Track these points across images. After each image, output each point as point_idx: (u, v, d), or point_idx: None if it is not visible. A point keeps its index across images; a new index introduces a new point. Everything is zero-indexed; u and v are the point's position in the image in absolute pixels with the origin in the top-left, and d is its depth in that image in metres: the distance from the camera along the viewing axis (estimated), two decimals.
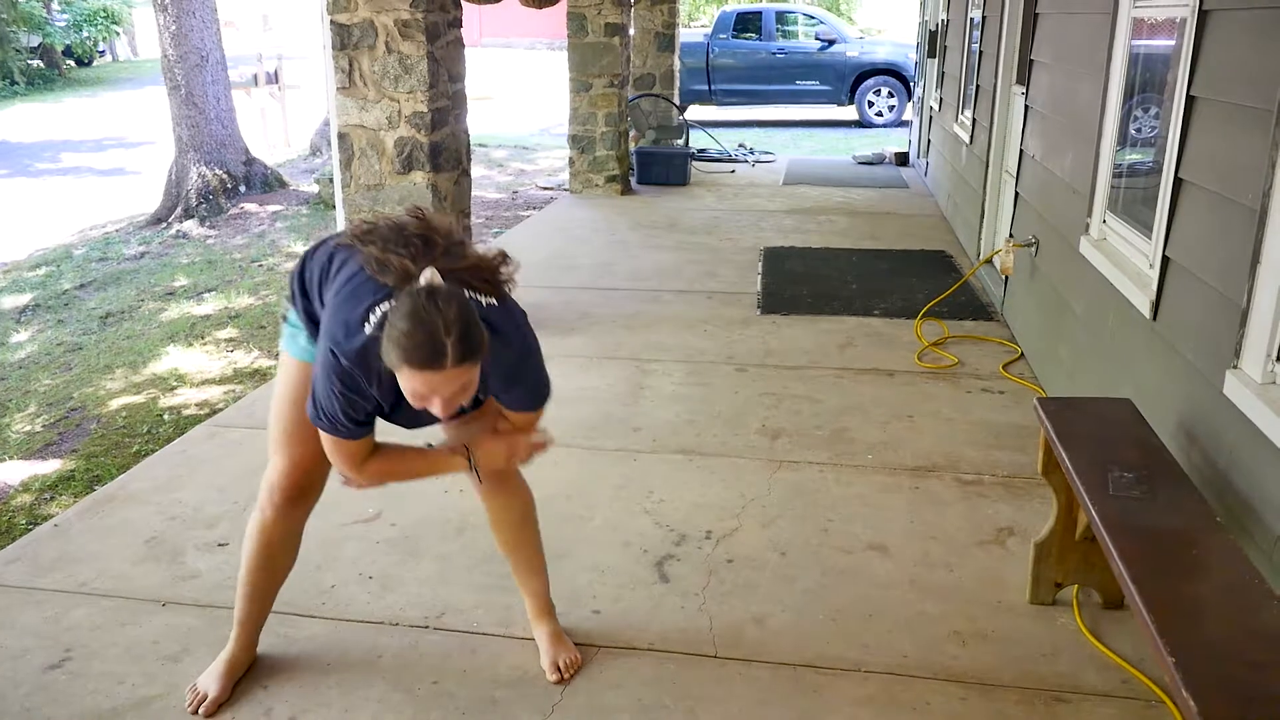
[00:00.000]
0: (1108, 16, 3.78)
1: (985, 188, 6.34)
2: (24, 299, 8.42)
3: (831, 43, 16.41)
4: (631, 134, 10.19)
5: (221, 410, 4.54)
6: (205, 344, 6.83)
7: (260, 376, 5.98)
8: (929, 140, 10.06)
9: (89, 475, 4.90)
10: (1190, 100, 2.93)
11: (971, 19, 7.60)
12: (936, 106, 9.44)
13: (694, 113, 15.72)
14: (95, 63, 28.69)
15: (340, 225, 5.19)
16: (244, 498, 3.47)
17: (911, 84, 14.28)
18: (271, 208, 11.06)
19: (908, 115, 14.55)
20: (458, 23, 5.12)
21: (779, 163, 11.63)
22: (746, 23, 16.93)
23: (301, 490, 2.40)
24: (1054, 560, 2.79)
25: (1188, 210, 2.94)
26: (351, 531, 3.24)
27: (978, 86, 6.92)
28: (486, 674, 2.55)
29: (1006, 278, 5.40)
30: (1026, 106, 5.23)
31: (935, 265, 6.74)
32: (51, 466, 5.11)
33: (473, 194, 5.79)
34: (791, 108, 17.08)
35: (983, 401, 4.35)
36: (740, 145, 12.42)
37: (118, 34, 29.27)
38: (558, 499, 3.36)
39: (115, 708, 2.43)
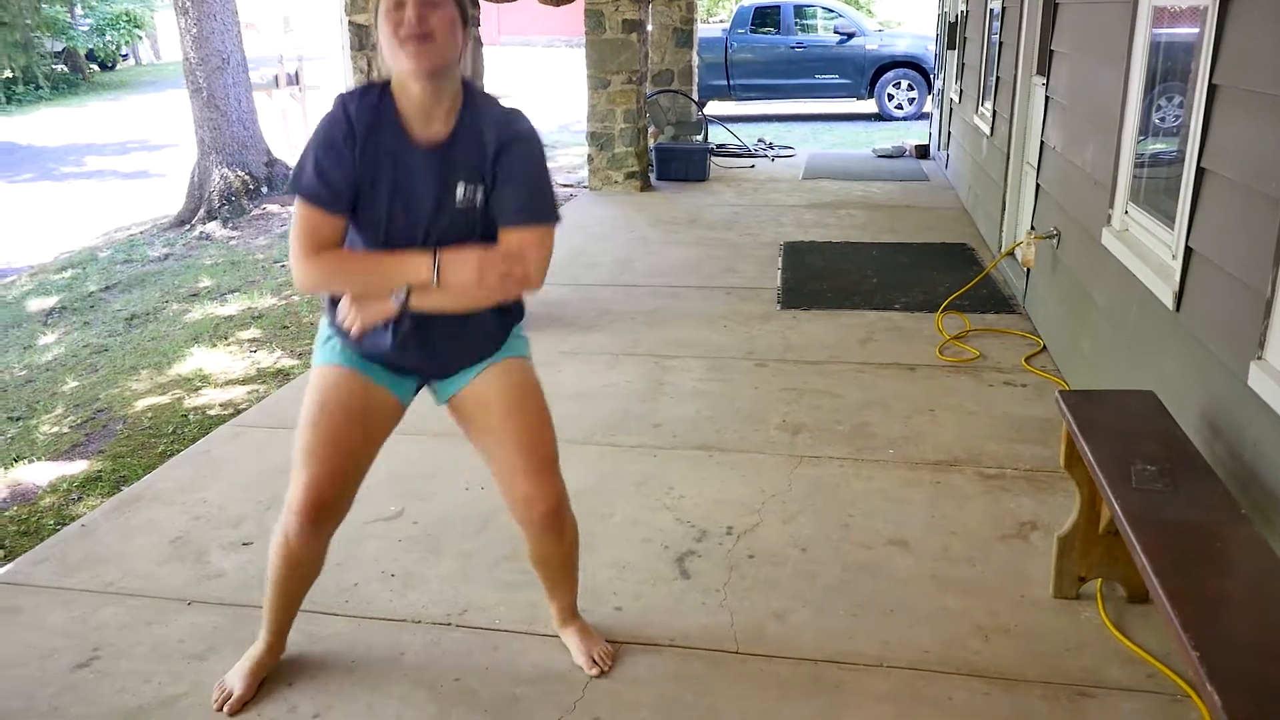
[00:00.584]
0: (1128, 5, 3.74)
1: (1006, 180, 6.30)
2: (50, 301, 8.51)
3: (850, 36, 16.33)
4: (650, 130, 10.18)
5: (245, 410, 4.57)
6: (229, 344, 6.88)
7: (284, 376, 6.02)
8: (949, 133, 10.00)
9: (115, 476, 4.95)
10: (1212, 89, 2.90)
11: (991, 10, 7.54)
12: (956, 99, 9.38)
13: (713, 108, 15.71)
14: (118, 66, 28.97)
15: None
16: (268, 497, 3.50)
17: (931, 76, 14.20)
18: (293, 208, 11.11)
19: (928, 108, 14.47)
20: (476, 21, 5.09)
21: (799, 157, 11.59)
22: (765, 17, 16.87)
23: (320, 511, 2.29)
24: (1077, 554, 2.77)
25: (1210, 200, 2.91)
26: (373, 530, 3.26)
27: (998, 78, 6.87)
28: (509, 671, 2.56)
29: (1028, 270, 5.36)
30: (1047, 97, 5.19)
31: (956, 258, 6.70)
32: (79, 467, 5.17)
33: None
34: (811, 102, 17.01)
35: (1005, 395, 4.32)
36: (759, 140, 12.39)
37: (140, 37, 29.54)
38: (578, 496, 3.34)
39: (142, 706, 2.45)
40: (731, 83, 16.44)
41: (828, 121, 16.22)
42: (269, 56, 16.65)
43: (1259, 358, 2.47)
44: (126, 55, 30.10)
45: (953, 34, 9.91)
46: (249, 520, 3.34)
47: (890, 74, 16.13)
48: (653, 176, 9.80)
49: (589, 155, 9.52)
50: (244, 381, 6.16)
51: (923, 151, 11.40)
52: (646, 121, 9.63)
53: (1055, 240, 4.78)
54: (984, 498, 3.42)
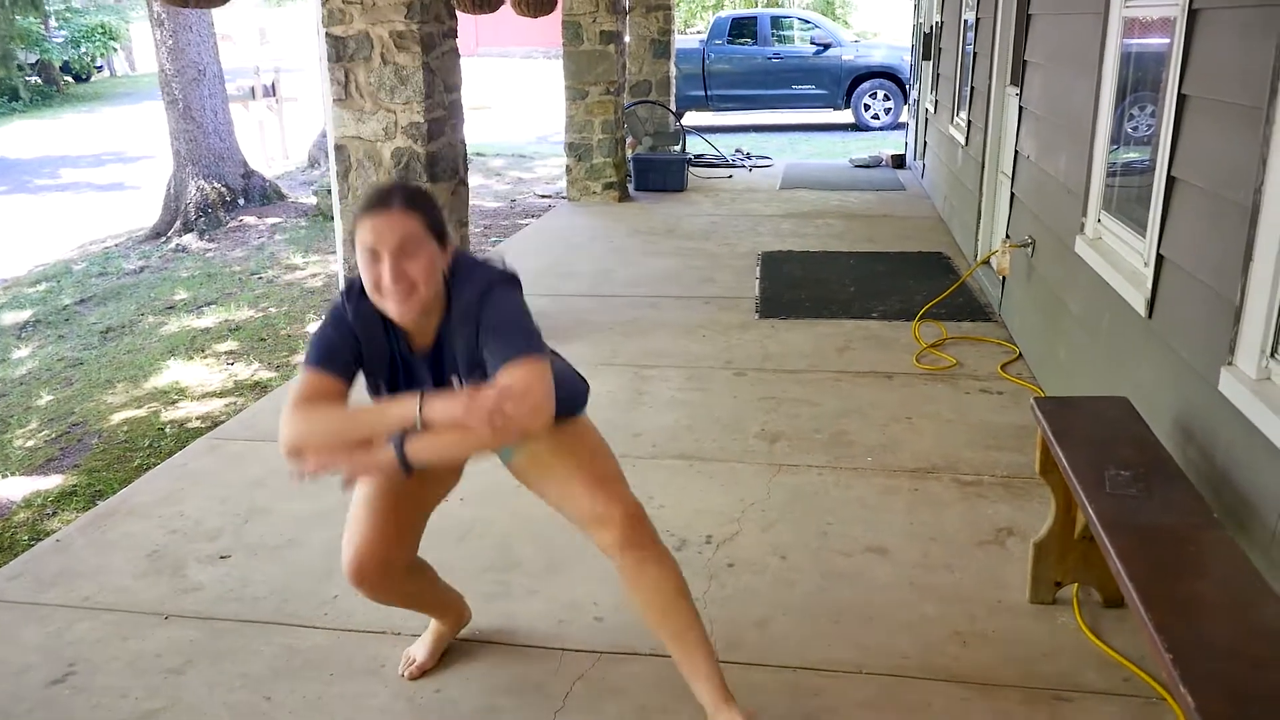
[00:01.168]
0: (1099, 16, 3.79)
1: (981, 189, 6.35)
2: (24, 315, 8.44)
3: (827, 46, 16.44)
4: (628, 141, 10.21)
5: (223, 423, 4.55)
6: (206, 357, 6.84)
7: (261, 389, 5.99)
8: (925, 142, 10.08)
9: (91, 490, 4.91)
10: (1182, 99, 2.94)
11: (965, 21, 7.62)
12: (932, 109, 9.46)
13: (690, 118, 15.75)
14: (93, 78, 28.79)
15: (338, 236, 5.20)
16: (245, 510, 3.48)
17: (907, 87, 14.30)
18: (270, 220, 11.08)
19: (904, 118, 14.57)
20: (453, 33, 5.14)
21: (776, 167, 11.65)
22: (742, 28, 16.96)
23: (362, 575, 2.27)
24: (1053, 559, 2.79)
25: (1181, 208, 2.95)
26: None
27: (972, 88, 6.94)
28: (488, 681, 2.56)
29: (1004, 278, 5.41)
30: (1021, 107, 5.24)
31: (933, 267, 6.75)
32: (53, 482, 5.12)
33: (471, 203, 5.81)
34: (788, 112, 17.09)
35: (981, 402, 4.35)
36: (737, 150, 12.44)
37: (115, 49, 29.37)
38: None
39: None
40: (709, 93, 16.51)
41: (805, 132, 16.30)
42: (245, 68, 16.60)
43: (1229, 363, 2.50)
44: (101, 67, 29.90)
45: (928, 45, 9.99)
46: (226, 533, 3.32)
47: (866, 84, 16.23)
48: (631, 187, 9.82)
49: (567, 166, 9.53)
50: (221, 394, 6.13)
51: (899, 161, 11.47)
52: (624, 132, 9.65)
53: (1030, 248, 4.82)
54: (961, 504, 3.44)
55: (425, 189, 2.04)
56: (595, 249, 7.49)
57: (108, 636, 2.77)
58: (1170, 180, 2.99)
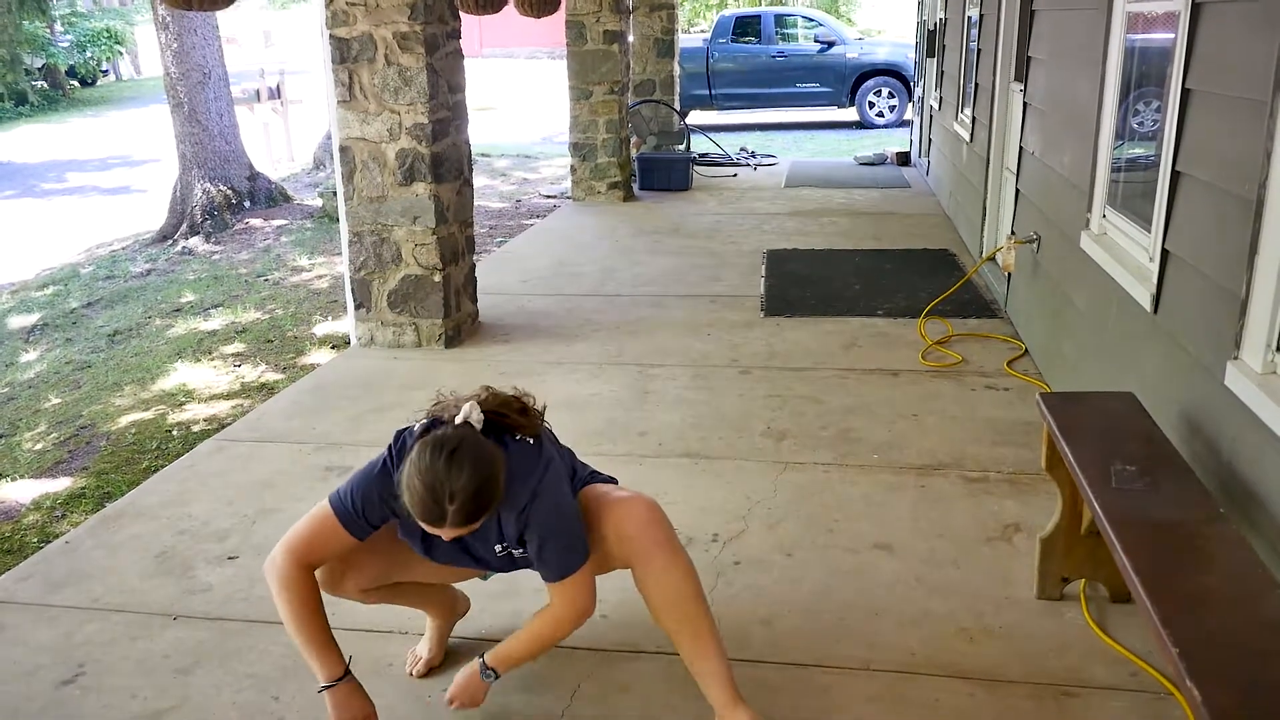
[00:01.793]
0: (1103, 11, 3.79)
1: (986, 185, 6.35)
2: (32, 319, 8.47)
3: (831, 44, 16.43)
4: (633, 140, 10.21)
5: (230, 425, 4.56)
6: (212, 359, 6.86)
7: (268, 390, 6.01)
8: (930, 139, 10.06)
9: (99, 492, 4.93)
10: (1186, 93, 2.93)
11: (969, 17, 7.61)
12: (936, 106, 9.45)
13: (695, 118, 15.76)
14: (99, 82, 28.89)
15: (344, 238, 5.22)
16: (253, 511, 3.49)
17: (911, 84, 14.29)
18: (276, 222, 11.11)
19: (908, 115, 14.56)
20: (456, 34, 5.15)
21: (781, 165, 11.65)
22: (746, 26, 16.96)
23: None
24: (1060, 555, 2.79)
25: (1186, 203, 2.95)
26: None
27: (976, 84, 6.93)
28: (496, 681, 2.56)
29: (1009, 275, 5.40)
30: (1025, 103, 5.23)
31: (938, 264, 6.74)
32: (62, 484, 5.14)
33: (476, 204, 5.82)
34: (792, 110, 17.10)
35: (988, 399, 4.35)
36: (742, 149, 12.44)
37: (120, 53, 29.46)
38: None
39: None
40: (713, 92, 16.52)
41: (809, 130, 16.30)
42: (250, 71, 16.65)
43: (1235, 358, 2.50)
44: (107, 71, 30.00)
45: (932, 42, 9.99)
46: (234, 534, 3.34)
47: (871, 82, 16.23)
48: (635, 186, 9.83)
49: (572, 166, 9.54)
50: (228, 396, 6.15)
51: (904, 158, 11.47)
52: (629, 132, 9.66)
53: (1035, 245, 4.82)
54: (967, 501, 3.44)
55: (487, 484, 2.03)
56: (600, 248, 7.49)
57: (117, 637, 2.78)
58: (1175, 175, 2.99)
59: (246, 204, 11.44)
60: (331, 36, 4.90)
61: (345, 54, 4.90)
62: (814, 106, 16.77)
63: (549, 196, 11.39)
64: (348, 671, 2.20)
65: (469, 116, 5.36)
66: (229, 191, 11.25)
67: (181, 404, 6.07)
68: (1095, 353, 3.82)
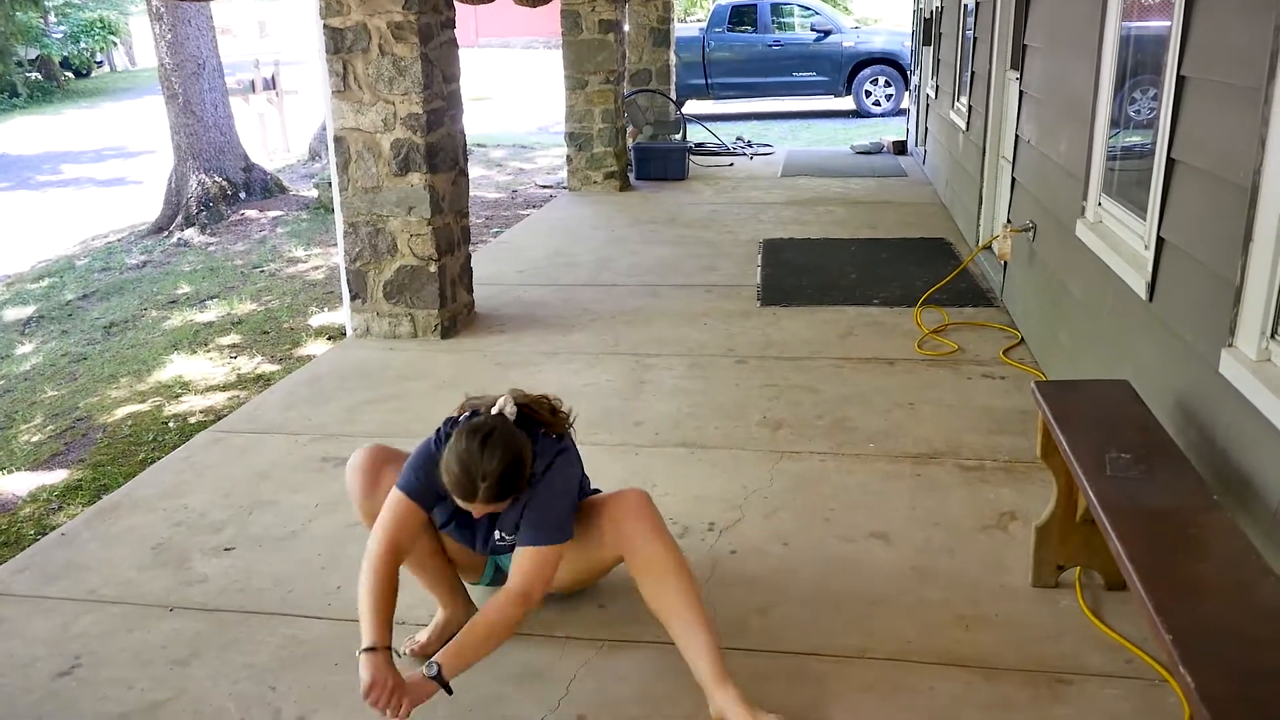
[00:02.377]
0: None
1: (982, 174, 6.34)
2: (28, 311, 8.46)
3: (827, 33, 16.40)
4: (629, 130, 10.19)
5: (226, 416, 4.56)
6: (209, 351, 6.85)
7: (264, 382, 6.00)
8: (926, 128, 10.05)
9: (96, 484, 4.93)
10: (1181, 80, 2.93)
11: (965, 5, 7.59)
12: (933, 94, 9.43)
13: (691, 107, 15.73)
14: (93, 73, 28.78)
15: (339, 228, 5.21)
16: (249, 502, 3.49)
17: (908, 72, 14.26)
18: (272, 213, 11.09)
19: (905, 104, 14.53)
20: (451, 23, 5.13)
21: (777, 155, 11.63)
22: (742, 15, 16.91)
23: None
24: (1055, 543, 2.79)
25: (1181, 190, 2.94)
26: (357, 532, 3.24)
27: (973, 73, 6.92)
28: (493, 670, 2.56)
29: (1005, 263, 5.40)
30: (1021, 91, 5.23)
31: (934, 253, 6.74)
32: (58, 476, 5.14)
33: (472, 194, 5.81)
34: (789, 99, 17.07)
35: (984, 387, 4.35)
36: (738, 138, 12.42)
37: (115, 44, 29.34)
38: None
39: (124, 713, 2.45)
40: (709, 81, 16.48)
41: (805, 119, 16.28)
42: (245, 61, 16.59)
43: (1230, 345, 2.50)
44: (101, 62, 29.89)
45: (928, 30, 9.97)
46: (230, 526, 3.34)
47: (867, 70, 16.20)
48: (632, 176, 9.81)
49: (568, 156, 9.53)
50: (224, 387, 6.14)
51: (900, 147, 11.45)
52: (625, 121, 9.64)
53: (1031, 233, 4.82)
54: (963, 489, 3.44)
55: (518, 467, 2.28)
56: (597, 238, 7.48)
57: (113, 629, 2.78)
58: (1170, 162, 2.99)
59: (242, 195, 11.42)
60: (325, 26, 4.89)
61: (339, 44, 4.88)
62: (810, 95, 16.74)
63: (545, 186, 11.37)
64: (389, 649, 2.30)
65: (464, 106, 5.35)
66: (224, 183, 11.23)
67: (178, 396, 6.07)
68: (1091, 341, 3.82)
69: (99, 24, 26.74)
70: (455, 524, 2.60)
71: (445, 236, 5.18)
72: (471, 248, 5.63)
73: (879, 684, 2.48)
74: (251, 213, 11.12)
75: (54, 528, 3.92)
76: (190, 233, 10.54)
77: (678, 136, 10.99)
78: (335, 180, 5.15)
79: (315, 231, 10.19)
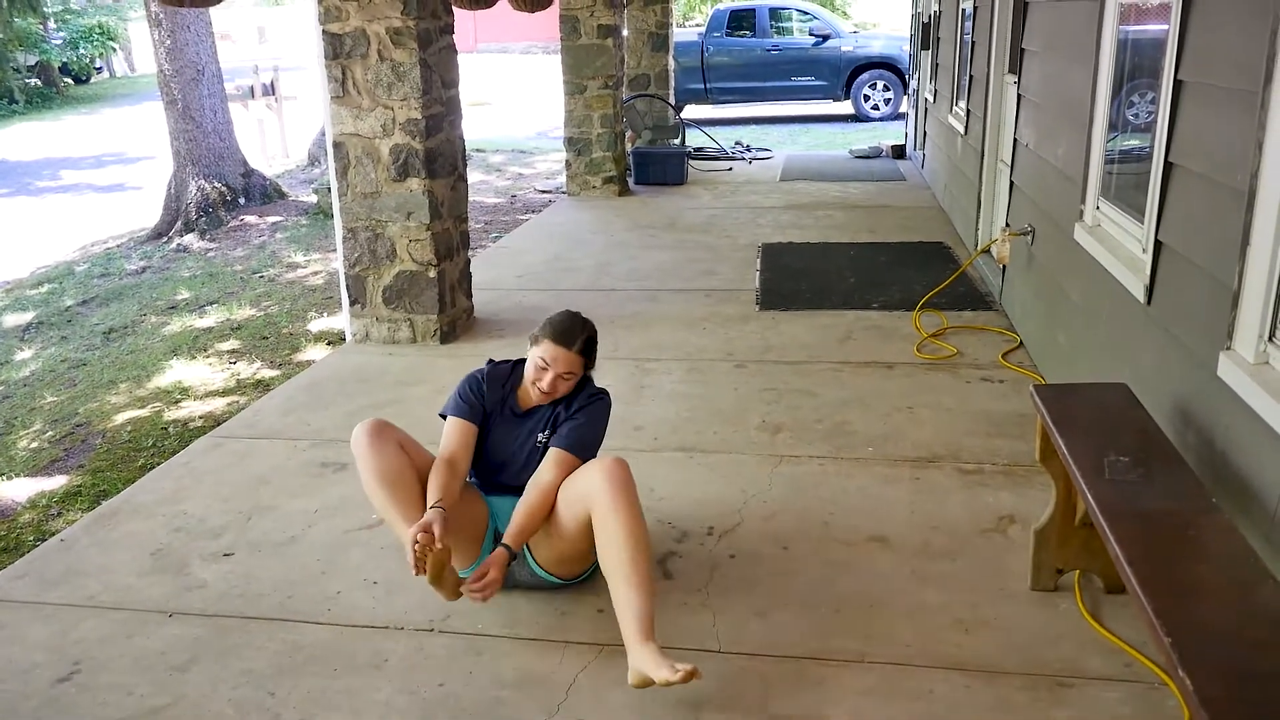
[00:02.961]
0: (1096, 3, 3.79)
1: (981, 178, 6.35)
2: (27, 317, 8.46)
3: (826, 38, 16.41)
4: (628, 135, 10.20)
5: (225, 421, 4.56)
6: (208, 356, 6.86)
7: (264, 387, 6.00)
8: (925, 132, 10.06)
9: (95, 490, 4.93)
10: (1178, 84, 2.94)
11: (963, 10, 7.60)
12: (931, 98, 9.45)
13: (690, 112, 15.75)
14: (92, 79, 28.78)
15: (338, 234, 5.22)
16: (248, 507, 3.49)
17: (906, 77, 14.28)
18: (271, 219, 11.09)
19: (904, 108, 14.55)
20: (449, 29, 5.14)
21: (776, 159, 11.64)
22: (740, 20, 16.93)
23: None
24: (1054, 546, 2.80)
25: (1178, 194, 2.95)
26: (356, 538, 3.26)
27: (971, 77, 6.93)
28: (492, 675, 2.57)
29: (1004, 267, 5.41)
30: (1019, 95, 5.23)
31: (933, 257, 6.74)
32: (58, 482, 5.14)
33: (471, 199, 5.81)
34: (787, 104, 17.09)
35: (982, 391, 4.35)
36: (737, 143, 12.43)
37: (114, 50, 29.36)
38: None
39: (124, 719, 2.44)
40: (708, 86, 16.50)
41: (804, 123, 16.29)
42: (244, 67, 16.60)
43: (1228, 348, 2.51)
44: (101, 68, 29.90)
45: (926, 34, 9.98)
46: (230, 531, 3.34)
47: (866, 75, 16.21)
48: (630, 181, 9.82)
49: (567, 160, 9.53)
50: (224, 393, 6.14)
51: (899, 151, 11.46)
52: (624, 126, 9.65)
53: (1029, 237, 4.82)
54: (963, 493, 3.44)
55: (597, 332, 2.93)
56: (595, 243, 7.49)
57: (113, 634, 2.78)
58: (1168, 166, 2.99)
59: (241, 201, 11.42)
60: (324, 32, 4.89)
61: (338, 49, 4.89)
62: (809, 100, 16.76)
63: (544, 191, 11.38)
64: (439, 507, 2.62)
65: (463, 112, 5.35)
66: (224, 188, 11.23)
67: (177, 401, 6.07)
68: (1089, 344, 3.82)
69: (98, 30, 26.75)
70: (500, 431, 2.91)
71: (444, 242, 5.18)
72: (471, 253, 5.63)
73: (879, 687, 2.48)
74: (251, 218, 11.12)
75: (53, 534, 3.92)
76: (190, 238, 10.55)
77: (676, 141, 11.00)
78: (334, 186, 5.15)
79: (314, 237, 10.19)
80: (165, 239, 10.66)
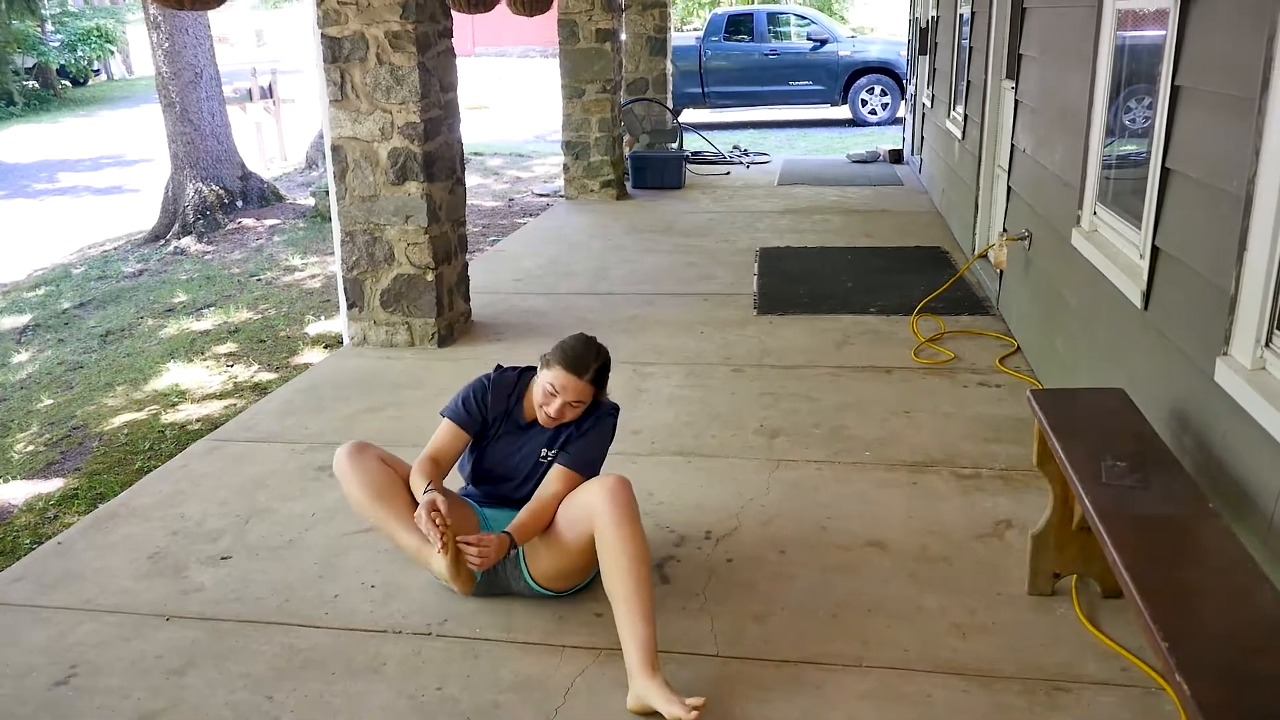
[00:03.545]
0: (1093, 9, 3.80)
1: (978, 183, 6.36)
2: (24, 319, 8.45)
3: (823, 42, 16.44)
4: (625, 139, 10.21)
5: (222, 425, 4.56)
6: (205, 359, 6.85)
7: (261, 390, 6.00)
8: (922, 137, 10.08)
9: (92, 493, 4.92)
10: (1175, 90, 2.94)
11: (961, 15, 7.62)
12: (929, 103, 9.46)
13: (688, 116, 15.76)
14: (90, 82, 28.76)
15: (336, 237, 5.22)
16: (245, 511, 3.49)
17: (904, 81, 14.30)
18: (269, 222, 11.09)
19: (901, 113, 14.57)
20: (448, 33, 5.15)
21: (774, 163, 11.65)
22: (738, 25, 16.96)
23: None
24: (1052, 551, 2.80)
25: (1175, 200, 2.96)
26: (354, 541, 3.25)
27: (968, 82, 6.94)
28: (489, 679, 2.57)
29: (1001, 272, 5.42)
30: (1016, 101, 5.25)
31: (930, 261, 6.75)
32: (54, 485, 5.13)
33: (469, 202, 5.82)
34: (785, 108, 17.11)
35: (980, 396, 4.36)
36: (735, 147, 12.44)
37: (112, 53, 29.34)
38: None
39: None
40: (706, 90, 16.52)
41: (802, 128, 16.32)
42: (242, 70, 16.60)
43: (1224, 353, 2.51)
44: (98, 70, 29.89)
45: (924, 39, 10.00)
46: (227, 534, 3.33)
47: (863, 80, 16.24)
48: (628, 185, 9.83)
49: (565, 164, 9.54)
50: (221, 396, 6.14)
51: (896, 156, 11.48)
52: (621, 130, 9.66)
53: (1027, 242, 4.83)
54: (960, 498, 3.45)
55: (610, 359, 2.88)
56: (593, 247, 7.49)
57: (110, 638, 2.78)
58: (1165, 172, 3.00)
59: (239, 204, 11.42)
60: (323, 35, 4.90)
61: (337, 53, 4.90)
62: (807, 104, 16.79)
63: (542, 195, 11.38)
64: (436, 490, 2.67)
65: (461, 115, 5.36)
66: (221, 191, 11.23)
67: (174, 404, 6.07)
68: (1086, 349, 3.83)
69: (96, 32, 26.76)
70: (503, 443, 2.90)
71: (442, 245, 5.18)
72: (469, 256, 5.63)
73: (876, 692, 2.48)
74: (248, 221, 11.12)
75: (50, 537, 3.92)
76: (187, 241, 10.54)
77: (674, 145, 11.01)
78: (333, 189, 5.16)
79: (312, 240, 10.19)
80: (162, 242, 10.66)
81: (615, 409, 2.93)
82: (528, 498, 2.79)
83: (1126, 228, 3.43)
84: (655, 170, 9.92)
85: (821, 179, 10.33)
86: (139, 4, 20.74)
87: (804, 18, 17.52)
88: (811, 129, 16.16)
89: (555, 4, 8.93)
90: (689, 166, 10.71)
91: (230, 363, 6.75)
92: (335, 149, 5.06)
